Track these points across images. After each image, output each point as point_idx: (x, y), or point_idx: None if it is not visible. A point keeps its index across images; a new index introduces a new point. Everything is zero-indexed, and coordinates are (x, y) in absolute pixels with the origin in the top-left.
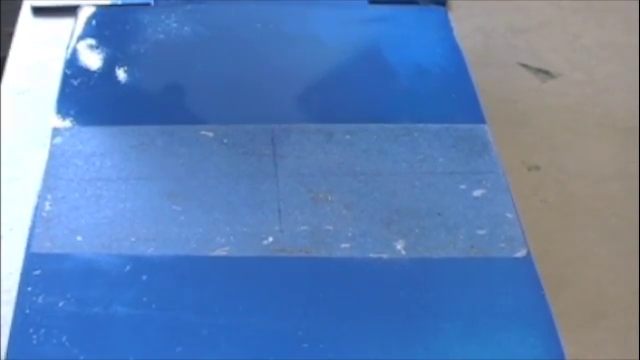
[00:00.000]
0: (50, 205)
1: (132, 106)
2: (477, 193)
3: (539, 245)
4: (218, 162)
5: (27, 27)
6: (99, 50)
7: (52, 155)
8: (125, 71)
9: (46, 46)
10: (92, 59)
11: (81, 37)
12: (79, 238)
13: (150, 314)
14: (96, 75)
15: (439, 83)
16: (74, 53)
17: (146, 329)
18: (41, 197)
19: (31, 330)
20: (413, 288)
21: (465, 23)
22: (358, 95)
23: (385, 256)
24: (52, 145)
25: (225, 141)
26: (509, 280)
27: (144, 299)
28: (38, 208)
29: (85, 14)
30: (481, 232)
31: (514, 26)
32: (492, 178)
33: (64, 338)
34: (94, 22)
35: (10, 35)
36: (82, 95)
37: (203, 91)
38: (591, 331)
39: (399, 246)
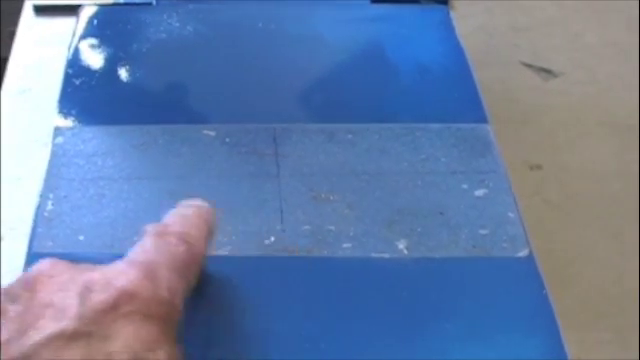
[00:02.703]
0: (52, 205)
1: (134, 105)
2: (479, 193)
3: (541, 244)
4: (220, 161)
5: (29, 26)
6: (101, 49)
7: (54, 154)
8: (127, 70)
9: (48, 45)
10: (94, 58)
11: (83, 36)
12: (81, 237)
13: None
14: (98, 74)
15: (441, 82)
16: (76, 52)
17: None
18: (43, 197)
19: None
20: (415, 288)
21: (467, 22)
22: (359, 94)
23: (387, 256)
24: (54, 144)
25: (227, 140)
26: (511, 280)
27: None
28: (40, 208)
29: (87, 13)
30: (483, 232)
31: (516, 25)
32: (494, 178)
33: None
34: (96, 21)
35: (12, 34)
36: (84, 94)
37: (205, 90)
38: (594, 331)
39: (401, 246)
